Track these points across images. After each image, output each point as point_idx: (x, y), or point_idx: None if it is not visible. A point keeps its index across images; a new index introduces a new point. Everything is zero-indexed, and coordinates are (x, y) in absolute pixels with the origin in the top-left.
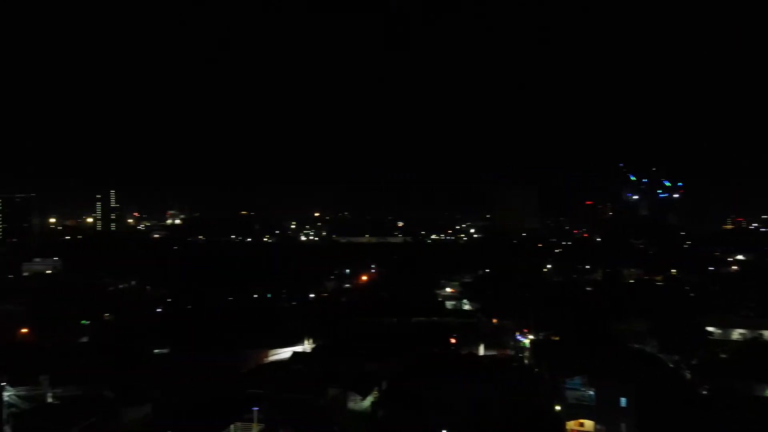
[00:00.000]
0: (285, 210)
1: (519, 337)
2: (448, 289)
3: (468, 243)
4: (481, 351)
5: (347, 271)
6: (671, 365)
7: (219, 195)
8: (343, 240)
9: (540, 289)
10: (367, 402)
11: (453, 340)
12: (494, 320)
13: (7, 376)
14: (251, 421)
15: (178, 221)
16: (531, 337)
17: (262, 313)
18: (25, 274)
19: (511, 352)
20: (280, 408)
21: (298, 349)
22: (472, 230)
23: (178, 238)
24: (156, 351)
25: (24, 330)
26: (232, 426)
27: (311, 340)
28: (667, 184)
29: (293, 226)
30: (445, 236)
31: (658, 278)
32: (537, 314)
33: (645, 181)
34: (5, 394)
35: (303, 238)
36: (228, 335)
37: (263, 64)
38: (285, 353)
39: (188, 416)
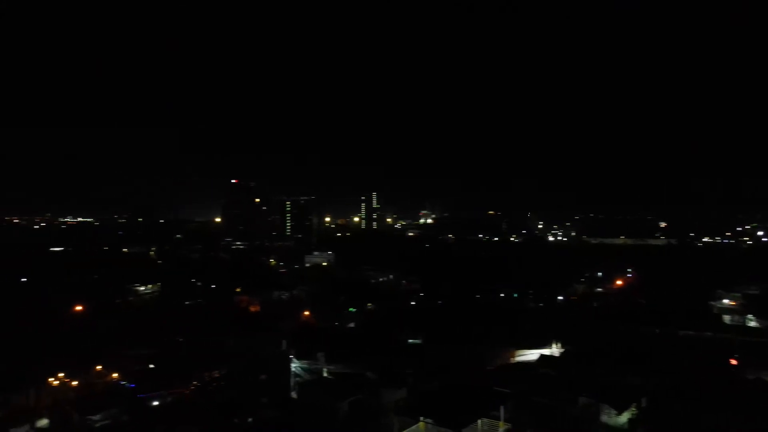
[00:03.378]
0: (533, 209)
1: None
2: (725, 301)
3: (754, 247)
4: None
5: (599, 274)
6: None
7: (468, 196)
8: (594, 241)
9: None
10: (624, 418)
11: (734, 361)
12: None
13: (294, 350)
14: (498, 419)
15: (429, 221)
16: None
17: (509, 312)
18: (307, 264)
19: None
20: (528, 410)
21: (546, 352)
22: (760, 233)
23: (430, 236)
24: (410, 341)
25: (306, 312)
26: (479, 421)
27: (559, 344)
28: None
29: (540, 226)
30: (722, 239)
31: None
32: None
33: None
34: (292, 365)
35: (551, 238)
36: (475, 331)
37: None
38: (531, 355)
39: (439, 404)
